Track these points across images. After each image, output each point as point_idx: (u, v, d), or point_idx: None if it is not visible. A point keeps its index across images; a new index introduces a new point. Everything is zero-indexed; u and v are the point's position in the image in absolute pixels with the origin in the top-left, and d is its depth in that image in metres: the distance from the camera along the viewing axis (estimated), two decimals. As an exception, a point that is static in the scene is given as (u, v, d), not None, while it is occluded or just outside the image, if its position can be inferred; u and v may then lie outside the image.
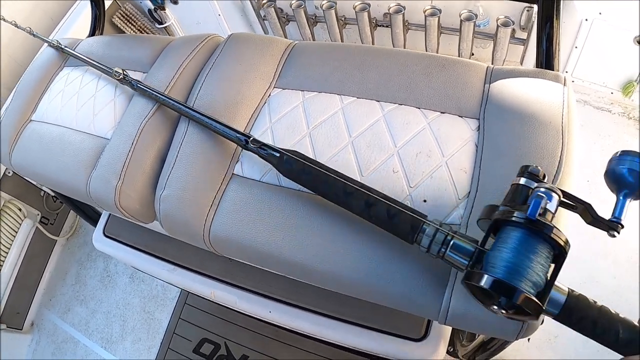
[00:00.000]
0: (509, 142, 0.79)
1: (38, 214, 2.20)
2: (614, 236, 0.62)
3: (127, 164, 1.01)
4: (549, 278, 0.59)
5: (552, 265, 0.60)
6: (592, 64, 1.82)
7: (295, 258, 0.79)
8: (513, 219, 0.59)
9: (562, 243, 0.58)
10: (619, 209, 0.62)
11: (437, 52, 1.87)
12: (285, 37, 2.07)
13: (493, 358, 1.49)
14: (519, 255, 0.57)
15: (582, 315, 0.58)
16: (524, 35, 1.81)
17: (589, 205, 0.63)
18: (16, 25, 1.41)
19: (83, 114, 1.17)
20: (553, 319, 0.60)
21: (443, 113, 0.87)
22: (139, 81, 1.09)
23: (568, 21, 1.73)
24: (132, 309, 2.04)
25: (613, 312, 0.58)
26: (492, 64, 1.16)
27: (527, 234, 0.59)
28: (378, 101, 0.91)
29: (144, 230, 1.40)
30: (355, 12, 1.82)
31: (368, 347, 1.12)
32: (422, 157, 0.82)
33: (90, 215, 1.68)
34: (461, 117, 0.87)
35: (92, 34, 1.56)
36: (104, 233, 1.49)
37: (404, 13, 1.78)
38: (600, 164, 1.76)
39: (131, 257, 1.42)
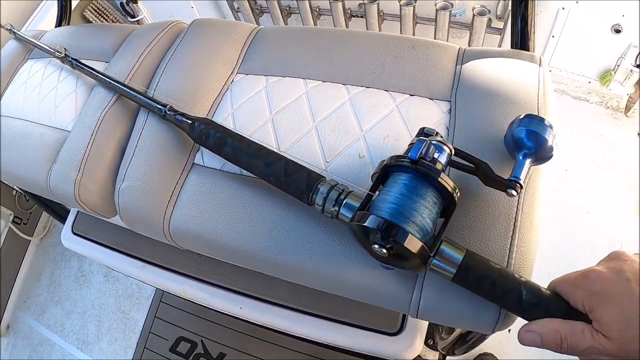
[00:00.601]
0: (481, 125, 0.76)
1: (10, 214, 2.14)
2: (512, 195, 0.62)
3: (86, 157, 0.97)
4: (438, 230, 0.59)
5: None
6: (569, 53, 1.81)
7: (255, 249, 0.76)
8: (399, 163, 0.59)
9: (450, 189, 0.58)
10: (517, 168, 0.62)
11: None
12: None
13: (474, 350, 1.47)
14: (403, 198, 0.57)
15: (481, 275, 0.57)
16: (500, 25, 1.79)
17: (485, 164, 0.63)
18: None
19: (45, 106, 1.13)
20: (452, 280, 0.58)
21: (412, 95, 0.84)
22: (77, 59, 1.06)
23: (545, 10, 1.72)
24: (108, 309, 1.99)
25: (517, 275, 0.57)
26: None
27: (412, 177, 0.58)
28: (344, 84, 0.88)
29: (114, 227, 1.36)
30: (330, 2, 1.79)
31: (341, 343, 1.09)
32: (390, 140, 0.78)
33: (60, 212, 1.63)
34: (431, 99, 0.83)
35: (58, 24, 1.52)
36: (72, 231, 1.45)
37: (378, 3, 1.75)
38: (578, 153, 1.76)
39: (100, 255, 1.38)
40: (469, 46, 1.59)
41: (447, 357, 1.52)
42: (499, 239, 0.66)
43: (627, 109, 1.84)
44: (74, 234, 1.44)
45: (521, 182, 0.62)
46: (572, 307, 0.52)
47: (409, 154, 0.59)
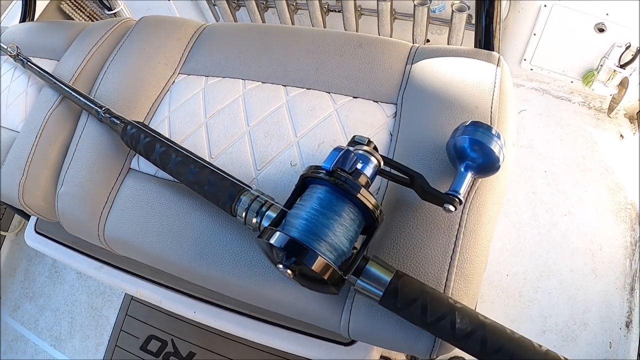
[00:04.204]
0: (426, 131, 0.71)
1: (-16, 210, 2.11)
2: (450, 211, 0.57)
3: (30, 159, 0.94)
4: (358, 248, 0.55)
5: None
6: (551, 52, 1.77)
7: (180, 259, 0.73)
8: (315, 174, 0.54)
9: (371, 206, 0.53)
10: (457, 181, 0.58)
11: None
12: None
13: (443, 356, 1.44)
14: (315, 213, 0.52)
15: (410, 299, 0.52)
16: (481, 21, 1.74)
17: (421, 175, 0.59)
18: None
19: (-3, 106, 1.10)
20: (379, 303, 0.54)
21: (356, 98, 0.80)
22: (27, 58, 1.03)
23: (526, 7, 1.68)
24: (80, 306, 1.97)
25: (451, 300, 0.52)
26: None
27: (328, 190, 0.53)
28: (284, 86, 0.83)
29: (73, 227, 1.34)
30: (306, -4, 1.74)
31: (294, 350, 1.06)
32: (325, 147, 0.74)
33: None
34: (376, 102, 0.79)
35: (22, 20, 1.49)
36: (35, 229, 1.42)
37: (356, -3, 1.71)
38: (559, 154, 1.72)
39: (61, 255, 1.35)
40: (448, 42, 1.53)
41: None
42: (436, 259, 0.61)
43: (610, 109, 1.79)
44: (37, 232, 1.41)
45: (460, 196, 0.57)
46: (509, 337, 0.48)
47: (323, 163, 0.54)
